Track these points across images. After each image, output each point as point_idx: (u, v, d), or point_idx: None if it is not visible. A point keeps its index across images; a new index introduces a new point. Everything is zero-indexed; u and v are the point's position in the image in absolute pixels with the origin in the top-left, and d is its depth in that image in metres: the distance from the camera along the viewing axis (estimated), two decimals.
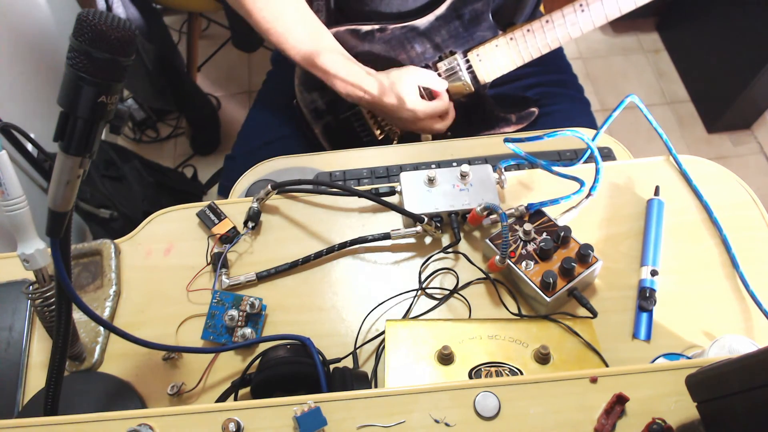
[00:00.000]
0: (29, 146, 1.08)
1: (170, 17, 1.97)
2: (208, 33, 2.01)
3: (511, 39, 0.85)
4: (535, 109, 0.90)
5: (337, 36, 0.87)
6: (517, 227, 0.62)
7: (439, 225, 0.64)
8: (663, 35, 2.00)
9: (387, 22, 0.86)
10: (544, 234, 0.61)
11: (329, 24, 0.88)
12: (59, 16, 1.42)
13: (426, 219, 0.63)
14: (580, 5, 0.82)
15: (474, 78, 0.88)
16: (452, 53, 0.87)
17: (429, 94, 0.86)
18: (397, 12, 0.87)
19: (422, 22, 0.85)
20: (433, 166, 0.78)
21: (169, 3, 1.63)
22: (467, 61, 0.87)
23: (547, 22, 0.83)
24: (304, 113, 0.93)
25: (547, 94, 0.97)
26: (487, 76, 0.87)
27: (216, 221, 0.67)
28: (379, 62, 0.88)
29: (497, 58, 0.86)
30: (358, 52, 0.88)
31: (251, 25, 0.85)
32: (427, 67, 0.89)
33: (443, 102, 0.86)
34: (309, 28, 0.84)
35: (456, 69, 0.87)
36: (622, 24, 2.01)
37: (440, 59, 0.88)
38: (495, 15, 0.86)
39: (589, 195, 0.63)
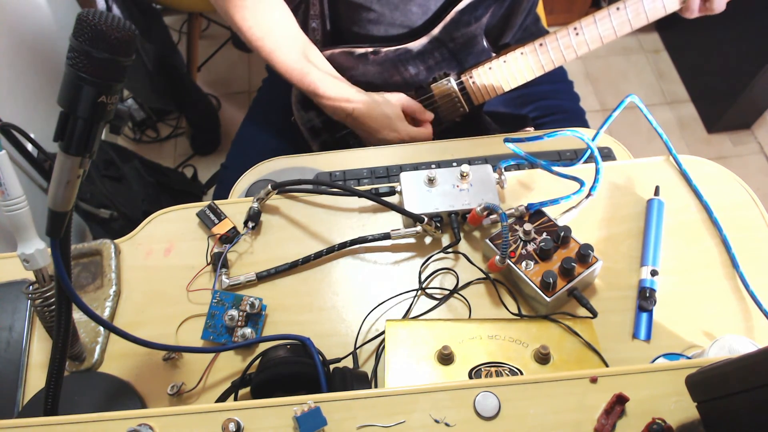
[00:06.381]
0: (29, 146, 1.09)
1: (170, 17, 1.97)
2: (208, 33, 2.01)
3: (505, 62, 0.85)
4: (530, 129, 0.91)
5: (332, 57, 0.87)
6: (517, 227, 0.62)
7: (439, 225, 0.64)
8: (663, 35, 2.00)
9: (380, 45, 0.86)
10: (544, 234, 0.61)
11: (325, 45, 0.89)
12: (59, 16, 1.42)
13: (426, 219, 0.63)
14: (575, 28, 0.81)
15: (468, 99, 0.88)
16: (446, 75, 0.87)
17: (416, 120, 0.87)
18: (385, 36, 0.86)
19: (415, 45, 0.85)
20: (433, 166, 0.78)
21: (169, 3, 1.63)
22: (461, 83, 0.87)
23: (540, 45, 0.83)
24: (302, 131, 0.94)
25: (539, 107, 0.97)
26: (481, 97, 0.88)
27: (216, 221, 0.67)
28: (373, 84, 0.88)
29: (491, 80, 0.86)
30: (353, 74, 0.88)
31: (243, 41, 0.85)
32: (420, 88, 0.88)
33: (427, 131, 0.87)
34: (297, 45, 0.84)
35: (450, 90, 0.87)
36: None
37: (434, 80, 0.88)
38: (486, 35, 0.86)
39: (589, 195, 0.63)
